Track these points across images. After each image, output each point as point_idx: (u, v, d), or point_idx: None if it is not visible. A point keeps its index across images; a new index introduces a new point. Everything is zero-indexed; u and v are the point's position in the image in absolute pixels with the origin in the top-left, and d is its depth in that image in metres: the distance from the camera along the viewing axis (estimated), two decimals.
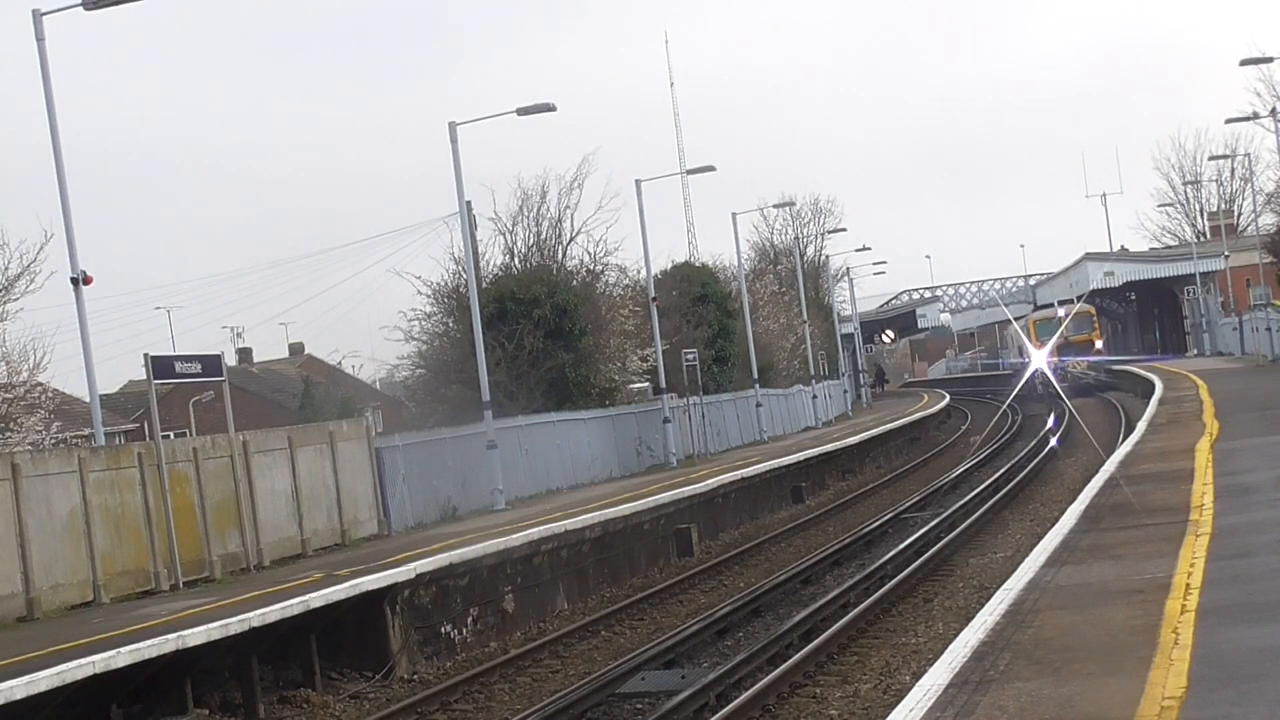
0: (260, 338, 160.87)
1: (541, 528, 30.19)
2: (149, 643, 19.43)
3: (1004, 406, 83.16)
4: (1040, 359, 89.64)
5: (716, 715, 18.43)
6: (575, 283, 53.12)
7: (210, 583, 27.62)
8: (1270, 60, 62.90)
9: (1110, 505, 20.89)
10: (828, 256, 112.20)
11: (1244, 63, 60.38)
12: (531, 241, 54.94)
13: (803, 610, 24.94)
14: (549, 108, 42.00)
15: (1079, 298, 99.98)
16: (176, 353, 33.18)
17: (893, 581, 26.58)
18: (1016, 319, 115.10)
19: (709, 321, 66.94)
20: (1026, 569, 16.07)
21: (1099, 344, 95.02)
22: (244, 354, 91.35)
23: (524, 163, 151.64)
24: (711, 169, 59.92)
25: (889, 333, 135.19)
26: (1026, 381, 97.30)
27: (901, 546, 31.26)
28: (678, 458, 53.13)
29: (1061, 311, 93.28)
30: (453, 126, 40.48)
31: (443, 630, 26.38)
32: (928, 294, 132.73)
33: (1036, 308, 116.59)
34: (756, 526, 41.95)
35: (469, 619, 27.22)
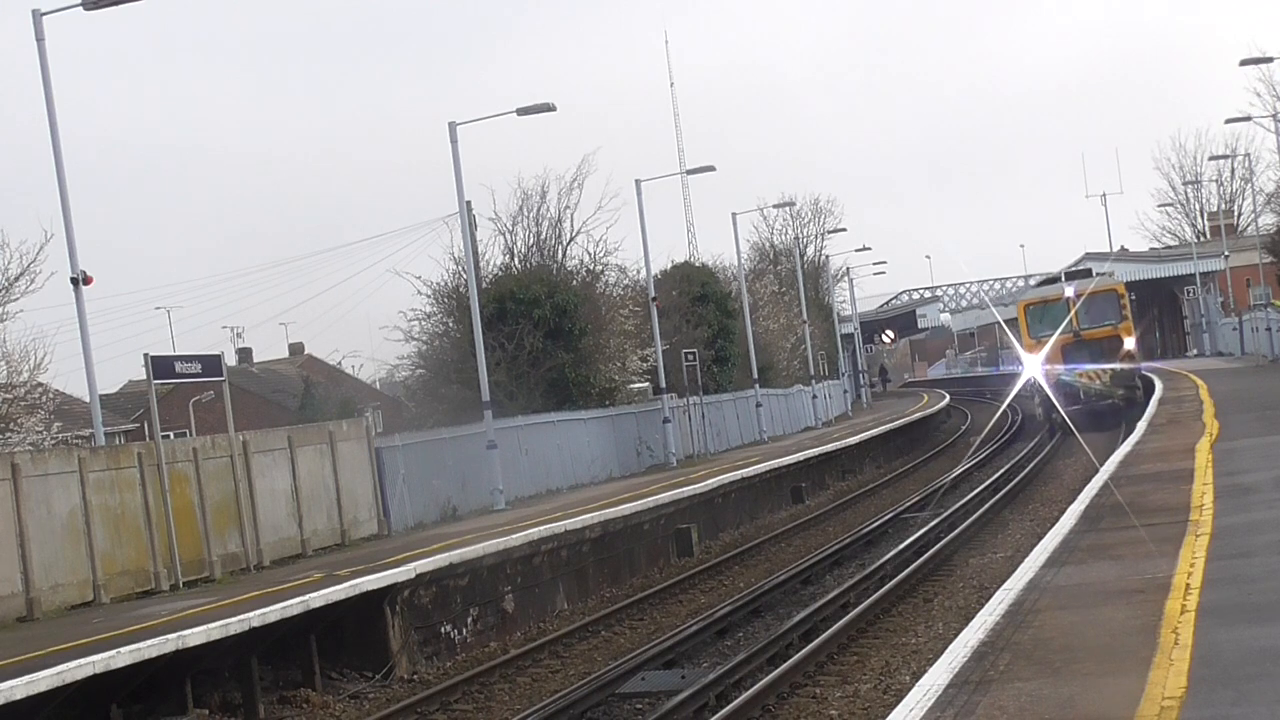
0: (260, 338, 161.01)
1: (541, 528, 30.18)
2: (149, 643, 19.43)
3: (995, 416, 70.80)
4: (1035, 366, 57.26)
5: (716, 715, 18.43)
6: (575, 283, 53.14)
7: (210, 583, 27.63)
8: (1270, 60, 62.97)
9: (1110, 505, 20.88)
10: (828, 256, 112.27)
11: (1244, 63, 60.44)
12: (531, 241, 55.00)
13: (803, 610, 24.94)
14: (549, 107, 42.03)
15: (1098, 272, 61.97)
16: (176, 353, 33.19)
17: (893, 581, 26.58)
18: (1008, 322, 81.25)
19: (709, 321, 66.94)
20: (1026, 569, 16.06)
21: (1131, 343, 57.45)
22: (244, 354, 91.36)
23: (524, 163, 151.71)
24: (711, 169, 59.99)
25: (889, 333, 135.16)
26: (1019, 399, 72.11)
27: (901, 546, 31.26)
28: (678, 458, 53.13)
29: (1070, 290, 56.94)
30: (453, 126, 40.51)
31: (443, 630, 26.38)
32: (928, 294, 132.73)
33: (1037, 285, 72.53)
34: (756, 526, 41.95)
35: (469, 619, 27.21)
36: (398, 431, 42.22)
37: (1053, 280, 61.26)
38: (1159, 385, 51.97)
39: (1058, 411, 54.83)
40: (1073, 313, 55.97)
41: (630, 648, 24.85)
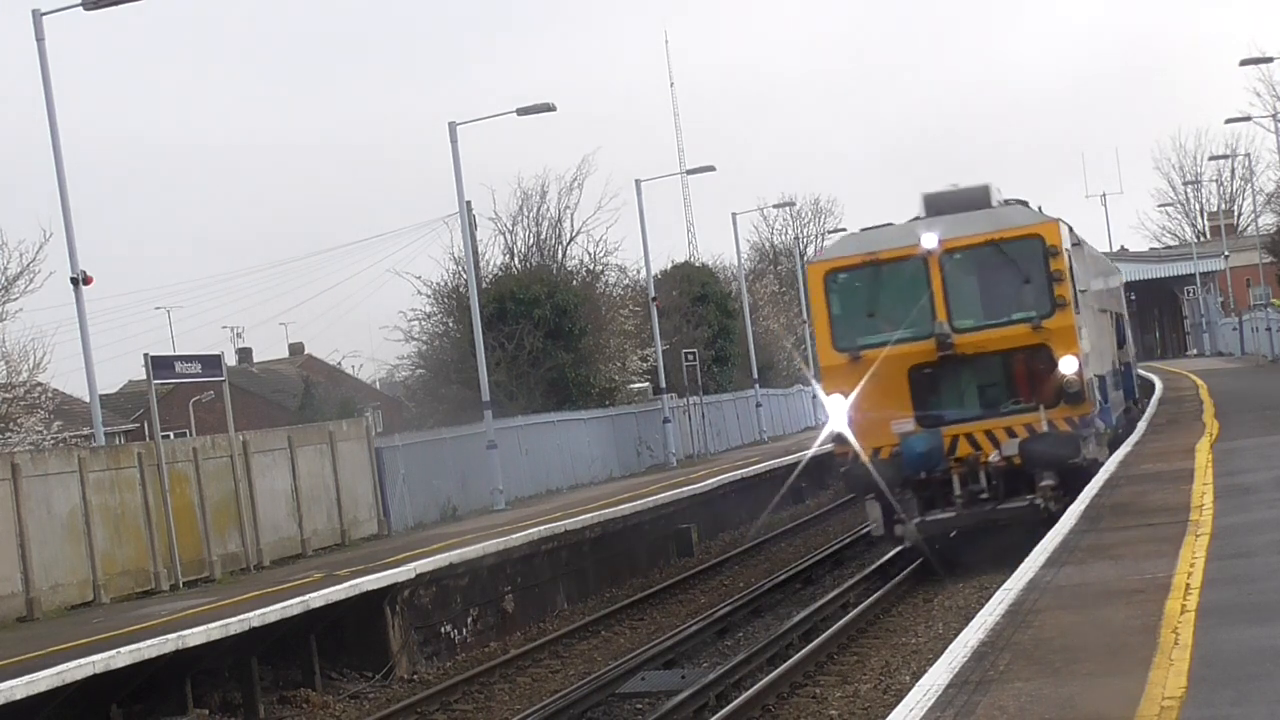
0: (260, 338, 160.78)
1: (541, 528, 30.19)
2: (149, 643, 19.44)
3: None
4: (842, 415, 26.07)
5: (716, 715, 18.43)
6: (575, 283, 53.21)
7: (210, 583, 27.64)
8: (1270, 60, 62.98)
9: (1110, 505, 20.86)
10: None
11: (1244, 63, 60.45)
12: (531, 241, 55.10)
13: (803, 610, 24.94)
14: (549, 108, 42.08)
15: (1003, 200, 27.77)
16: (176, 353, 33.21)
17: (892, 581, 26.55)
18: None
19: (709, 321, 66.97)
20: (1026, 569, 16.05)
21: (1073, 363, 25.71)
22: (244, 354, 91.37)
23: (524, 163, 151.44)
24: (711, 169, 60.03)
25: None
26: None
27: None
28: (678, 458, 53.14)
29: (931, 239, 25.92)
30: (453, 126, 40.54)
31: (443, 630, 26.39)
32: None
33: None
34: (757, 526, 41.94)
35: (469, 619, 27.22)
36: (398, 431, 42.25)
37: (910, 221, 27.79)
38: (1159, 385, 51.90)
39: (904, 519, 26.06)
40: (935, 287, 25.96)
41: (630, 648, 24.85)
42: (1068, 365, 25.82)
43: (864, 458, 26.08)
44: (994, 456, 25.73)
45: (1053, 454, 25.72)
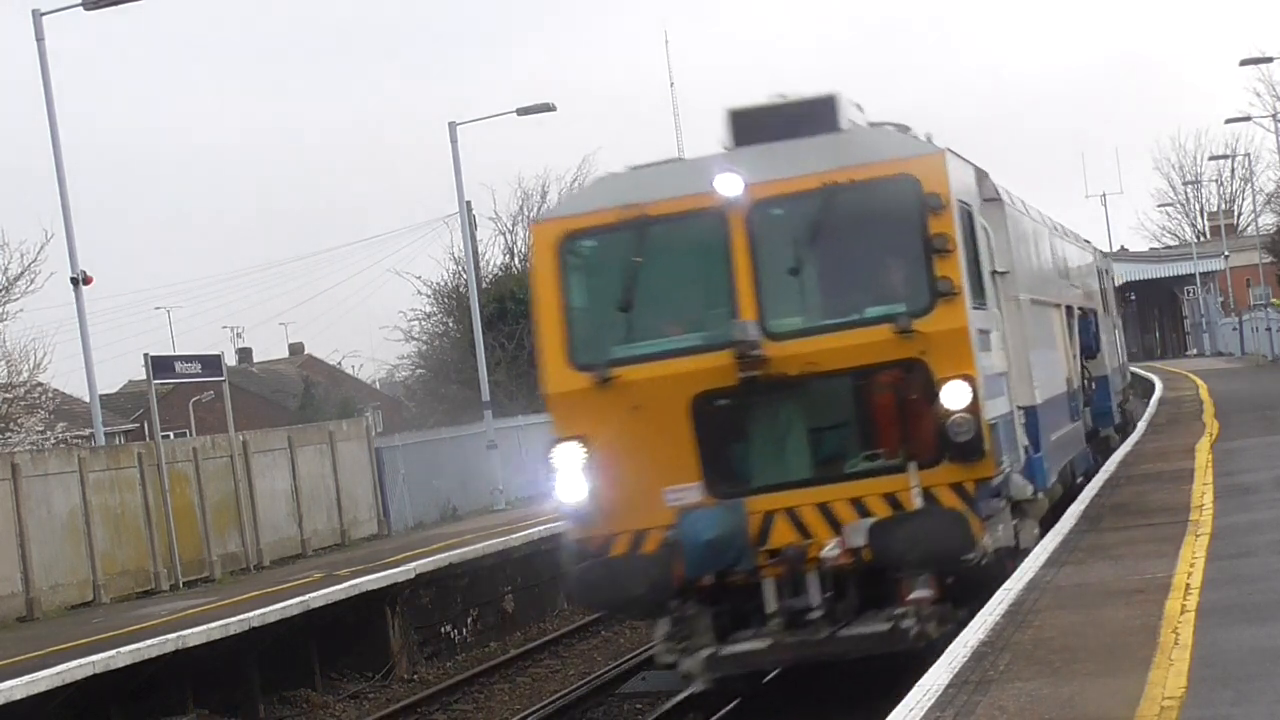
0: (260, 338, 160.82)
1: (541, 528, 30.18)
2: (149, 643, 19.44)
3: None
4: (574, 477, 16.74)
5: (716, 715, 18.41)
6: None
7: (210, 583, 27.65)
8: (1270, 60, 63.00)
9: (1110, 505, 20.85)
10: None
11: (1244, 63, 60.49)
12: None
13: None
14: (549, 108, 42.10)
15: (865, 122, 16.78)
16: (176, 353, 33.25)
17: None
18: None
19: None
20: (1026, 569, 16.03)
21: (963, 391, 14.97)
22: (244, 354, 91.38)
23: (524, 163, 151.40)
24: None
25: None
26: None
27: None
28: None
29: (730, 184, 15.26)
30: (453, 126, 40.58)
31: (443, 630, 26.39)
32: None
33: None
34: None
35: (469, 619, 27.22)
36: (398, 431, 42.28)
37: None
38: (1159, 385, 51.88)
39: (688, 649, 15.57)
40: (738, 264, 15.46)
41: (630, 648, 24.85)
42: (954, 395, 15.28)
43: (616, 550, 15.94)
44: (831, 548, 15.27)
45: (928, 545, 15.28)
